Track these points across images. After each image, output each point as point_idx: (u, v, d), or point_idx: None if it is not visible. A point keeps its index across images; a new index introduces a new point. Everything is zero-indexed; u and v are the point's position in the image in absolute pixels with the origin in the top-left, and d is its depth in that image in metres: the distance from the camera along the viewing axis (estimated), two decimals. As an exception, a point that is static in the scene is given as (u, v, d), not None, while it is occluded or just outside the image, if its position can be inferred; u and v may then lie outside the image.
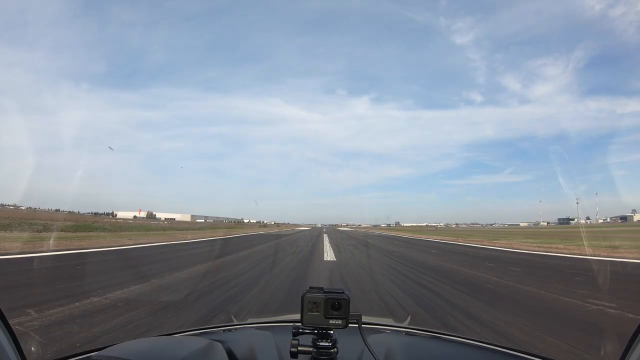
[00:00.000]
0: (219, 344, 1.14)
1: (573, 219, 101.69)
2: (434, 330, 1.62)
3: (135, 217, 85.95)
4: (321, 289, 0.92)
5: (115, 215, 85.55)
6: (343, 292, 0.91)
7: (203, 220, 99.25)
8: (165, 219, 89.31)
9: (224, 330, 1.56)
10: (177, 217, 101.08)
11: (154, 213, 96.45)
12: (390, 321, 1.99)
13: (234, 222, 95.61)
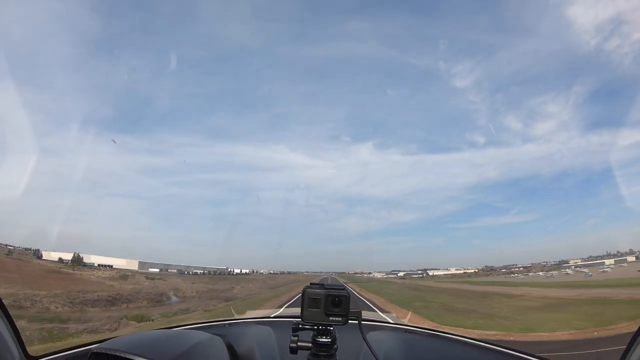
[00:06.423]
0: (219, 338, 1.19)
1: None
2: (433, 328, 1.60)
3: (60, 259, 41.65)
4: (322, 285, 0.94)
5: (41, 255, 35.39)
6: (344, 289, 0.92)
7: (158, 270, 52.93)
8: (99, 264, 48.13)
9: (225, 325, 1.60)
10: (122, 263, 52.77)
11: (81, 256, 46.27)
12: (390, 318, 0.98)
13: (211, 272, 57.64)
